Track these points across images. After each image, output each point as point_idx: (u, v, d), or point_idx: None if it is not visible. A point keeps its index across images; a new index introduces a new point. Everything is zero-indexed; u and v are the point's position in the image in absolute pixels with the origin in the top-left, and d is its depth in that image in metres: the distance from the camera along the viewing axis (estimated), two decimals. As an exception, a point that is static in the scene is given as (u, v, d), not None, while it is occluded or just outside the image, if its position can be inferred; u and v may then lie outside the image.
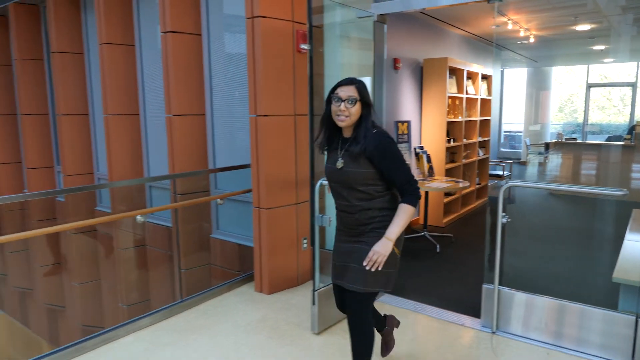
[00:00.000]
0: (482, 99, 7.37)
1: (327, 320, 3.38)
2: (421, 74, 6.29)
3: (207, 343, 3.24)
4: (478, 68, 7.14)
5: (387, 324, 2.87)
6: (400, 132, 5.73)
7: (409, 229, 6.24)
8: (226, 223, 4.89)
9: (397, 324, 2.96)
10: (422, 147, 6.02)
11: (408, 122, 5.74)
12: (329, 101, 2.30)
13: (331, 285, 3.21)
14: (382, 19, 3.70)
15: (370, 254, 2.16)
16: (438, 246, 5.38)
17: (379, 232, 2.25)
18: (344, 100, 2.22)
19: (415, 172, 5.76)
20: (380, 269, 2.17)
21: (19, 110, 7.49)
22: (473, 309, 3.66)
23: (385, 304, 3.83)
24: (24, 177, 8.02)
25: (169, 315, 3.64)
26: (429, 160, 5.95)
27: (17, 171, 8.02)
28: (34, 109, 6.89)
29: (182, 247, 4.72)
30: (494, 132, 8.61)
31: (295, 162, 4.01)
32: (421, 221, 6.34)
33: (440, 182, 5.57)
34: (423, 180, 5.69)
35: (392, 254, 2.25)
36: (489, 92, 7.73)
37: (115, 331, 3.30)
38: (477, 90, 7.20)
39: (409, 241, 5.64)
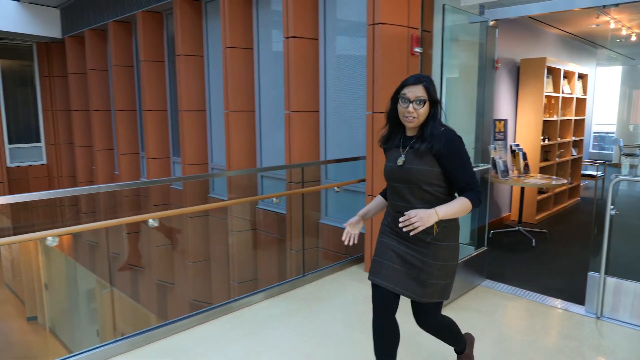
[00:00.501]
0: (577, 98, 7.37)
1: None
2: (517, 74, 6.44)
3: (330, 310, 3.70)
4: (574, 67, 7.16)
5: (466, 347, 2.70)
6: (497, 130, 5.94)
7: (502, 223, 6.44)
8: (334, 210, 5.35)
9: (472, 340, 2.78)
10: (517, 145, 6.19)
11: (505, 120, 5.94)
12: (394, 99, 2.24)
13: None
14: (494, 23, 3.99)
15: (413, 213, 2.04)
16: (534, 240, 5.56)
17: (439, 244, 2.23)
18: (412, 102, 2.16)
19: (510, 168, 5.95)
20: (411, 234, 2.08)
21: (141, 107, 8.41)
22: (574, 297, 3.88)
23: (488, 289, 4.13)
24: (142, 166, 8.97)
25: (293, 287, 4.14)
26: (524, 157, 6.12)
27: (135, 161, 8.97)
28: (155, 106, 7.74)
29: (293, 231, 5.25)
30: (586, 132, 8.52)
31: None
32: (515, 217, 6.50)
33: (535, 179, 5.73)
34: (519, 176, 5.88)
35: (453, 265, 2.29)
36: (584, 91, 7.70)
37: (251, 297, 3.84)
38: (572, 90, 7.22)
39: (504, 235, 5.85)
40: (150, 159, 7.78)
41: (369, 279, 2.35)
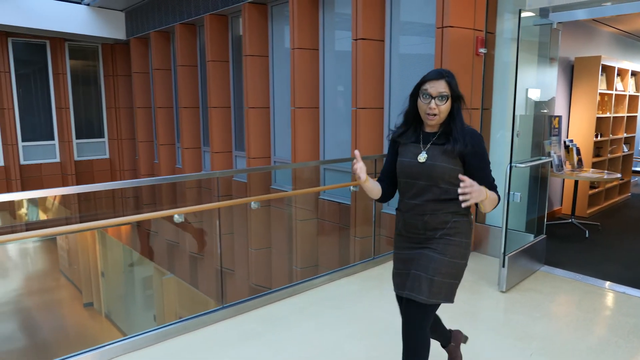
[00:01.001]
0: (630, 96, 7.50)
1: (512, 280, 4.04)
2: (572, 71, 6.65)
3: (371, 299, 4.08)
4: (628, 65, 7.30)
5: (452, 340, 2.65)
6: (552, 126, 6.19)
7: (554, 216, 6.66)
8: (394, 200, 5.72)
9: (465, 339, 2.74)
10: (571, 140, 6.41)
11: (559, 116, 6.17)
12: (414, 95, 2.17)
13: (504, 256, 3.87)
14: (558, 25, 4.28)
15: (470, 182, 1.92)
16: (587, 232, 5.79)
17: (449, 239, 2.14)
18: (434, 98, 2.09)
19: (564, 162, 6.18)
20: (464, 204, 1.96)
21: (205, 104, 8.97)
22: (633, 283, 4.14)
23: (547, 274, 4.43)
24: (203, 160, 9.54)
25: (365, 268, 4.54)
26: (578, 152, 6.33)
27: (197, 155, 9.55)
28: (220, 103, 8.26)
29: (357, 220, 5.65)
30: (638, 129, 8.59)
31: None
32: (566, 211, 6.72)
33: (589, 173, 5.96)
34: (572, 170, 6.11)
35: (462, 265, 2.18)
36: (637, 88, 7.81)
37: (331, 274, 4.26)
38: (625, 87, 7.36)
39: (557, 227, 6.10)
40: (215, 152, 8.31)
41: (394, 291, 2.35)
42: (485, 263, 4.65)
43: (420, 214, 2.15)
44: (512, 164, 3.96)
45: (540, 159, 4.45)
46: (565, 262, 4.73)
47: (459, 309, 3.56)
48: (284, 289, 3.91)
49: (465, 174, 2.09)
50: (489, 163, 2.16)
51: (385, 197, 2.35)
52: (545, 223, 4.69)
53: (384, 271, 4.49)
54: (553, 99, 6.03)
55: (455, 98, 2.11)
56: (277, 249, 7.55)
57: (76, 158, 11.92)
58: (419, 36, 5.40)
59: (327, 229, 6.53)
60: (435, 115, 2.09)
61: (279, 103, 7.33)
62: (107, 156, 12.55)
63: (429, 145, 2.15)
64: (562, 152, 6.34)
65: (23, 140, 11.22)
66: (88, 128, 12.29)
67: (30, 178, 11.33)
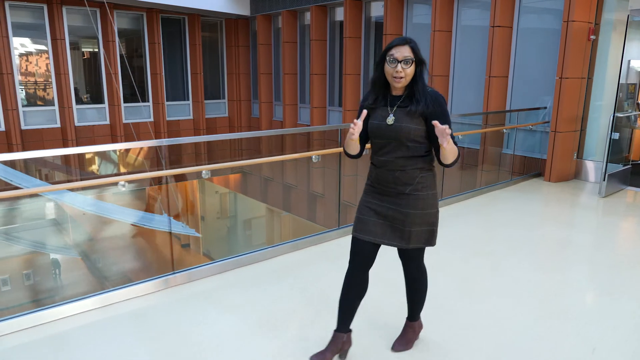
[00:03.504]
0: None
1: (608, 190, 6.20)
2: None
3: (516, 204, 6.29)
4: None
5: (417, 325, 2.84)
6: (629, 90, 8.21)
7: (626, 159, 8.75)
8: (511, 144, 7.91)
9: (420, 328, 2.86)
10: (643, 102, 8.44)
11: (635, 84, 8.18)
12: (381, 61, 2.32)
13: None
14: (650, 21, 6.30)
15: (444, 127, 2.12)
16: (654, 170, 7.87)
17: (418, 194, 2.37)
18: (400, 62, 2.24)
19: (637, 118, 8.24)
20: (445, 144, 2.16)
21: (334, 71, 11.18)
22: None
23: (632, 190, 6.59)
24: (328, 117, 11.79)
25: (473, 196, 6.47)
26: (648, 112, 8.36)
27: (323, 113, 11.79)
28: (353, 71, 10.48)
29: (485, 160, 7.85)
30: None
31: (579, 105, 6.85)
32: (635, 156, 8.79)
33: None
34: (644, 125, 8.16)
35: (434, 213, 2.44)
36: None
37: (450, 199, 6.48)
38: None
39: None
40: (347, 110, 10.57)
41: (353, 235, 2.51)
42: (583, 186, 6.81)
43: (391, 169, 2.37)
44: (615, 114, 6.09)
45: (628, 112, 6.55)
46: (642, 185, 6.88)
47: (570, 211, 5.78)
48: (466, 191, 6.19)
49: (428, 132, 2.32)
50: (448, 119, 2.31)
51: (359, 155, 2.53)
52: (631, 159, 6.82)
53: (496, 196, 6.71)
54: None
55: (419, 62, 2.28)
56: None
57: (207, 116, 14.33)
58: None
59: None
60: (401, 77, 2.27)
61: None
62: (226, 115, 14.95)
63: (395, 108, 2.35)
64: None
65: (167, 100, 13.65)
66: (213, 90, 14.67)
67: (171, 132, 13.81)
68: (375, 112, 2.40)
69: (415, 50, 2.26)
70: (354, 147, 2.42)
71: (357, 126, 2.27)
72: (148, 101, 13.30)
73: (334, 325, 2.65)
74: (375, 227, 2.44)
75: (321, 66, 11.49)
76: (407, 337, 2.77)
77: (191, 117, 14.20)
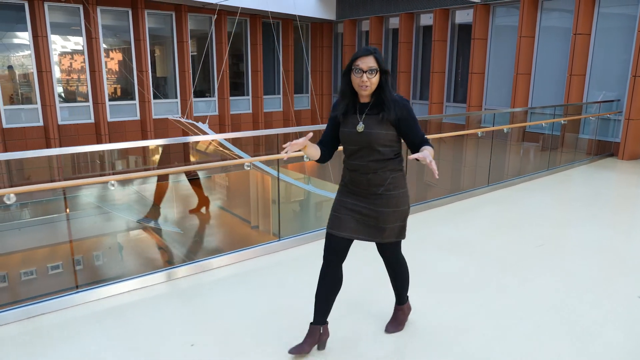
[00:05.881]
0: None
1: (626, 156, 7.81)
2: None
3: (585, 180, 7.92)
4: None
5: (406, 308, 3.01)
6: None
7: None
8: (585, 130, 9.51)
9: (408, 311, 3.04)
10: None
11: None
12: (347, 72, 2.45)
13: None
14: None
15: (426, 155, 2.22)
16: None
17: (390, 194, 2.53)
18: (365, 72, 2.37)
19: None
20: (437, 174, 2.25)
21: (420, 69, 12.94)
22: None
23: (694, 165, 8.16)
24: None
25: (541, 177, 8.15)
26: None
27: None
28: (440, 69, 12.20)
29: (564, 144, 9.48)
30: None
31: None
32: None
33: None
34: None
35: (405, 210, 2.60)
36: None
37: (516, 180, 8.14)
38: None
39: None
40: (472, 106, 12.22)
41: (327, 231, 2.63)
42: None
43: (364, 172, 2.52)
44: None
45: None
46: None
47: (598, 172, 7.42)
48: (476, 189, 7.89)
49: (399, 134, 2.50)
50: (417, 121, 2.48)
51: (324, 159, 2.65)
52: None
53: (567, 176, 8.35)
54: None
55: (383, 71, 2.42)
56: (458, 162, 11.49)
57: (295, 108, 16.24)
58: None
59: (528, 150, 10.40)
60: (367, 86, 2.41)
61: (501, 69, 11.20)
62: (309, 107, 16.84)
63: (364, 116, 2.49)
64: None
65: (265, 94, 15.58)
66: (297, 86, 16.58)
67: (268, 122, 15.73)
68: (346, 120, 2.54)
69: (379, 60, 2.40)
70: (312, 155, 2.58)
71: (291, 147, 2.31)
72: (248, 95, 15.35)
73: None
74: (350, 224, 2.60)
75: (407, 65, 13.28)
76: (399, 319, 2.99)
77: (281, 109, 16.15)
